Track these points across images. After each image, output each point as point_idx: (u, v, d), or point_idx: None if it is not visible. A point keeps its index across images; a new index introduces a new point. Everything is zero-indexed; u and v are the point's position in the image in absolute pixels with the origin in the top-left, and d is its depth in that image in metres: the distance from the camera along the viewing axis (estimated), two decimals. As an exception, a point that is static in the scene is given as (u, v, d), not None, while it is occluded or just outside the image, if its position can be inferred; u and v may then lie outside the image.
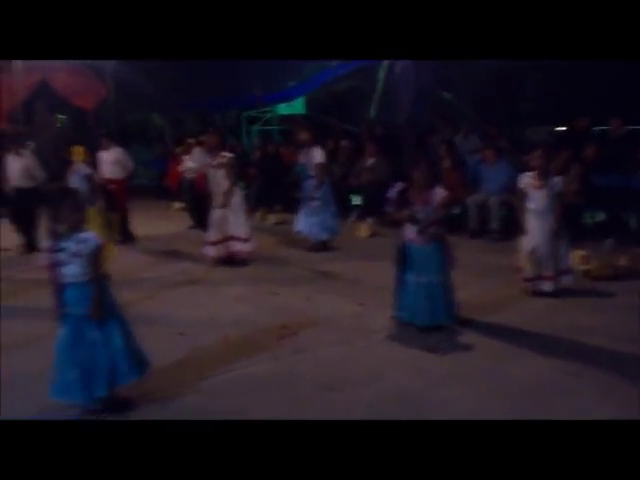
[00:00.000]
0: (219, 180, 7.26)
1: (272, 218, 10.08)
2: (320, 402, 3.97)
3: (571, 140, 9.45)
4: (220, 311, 5.73)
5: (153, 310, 5.71)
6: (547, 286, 5.96)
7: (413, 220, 5.13)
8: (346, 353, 4.77)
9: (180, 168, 10.32)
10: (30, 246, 8.40)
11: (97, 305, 3.71)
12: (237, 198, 7.40)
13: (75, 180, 7.41)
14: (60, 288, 3.74)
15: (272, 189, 10.70)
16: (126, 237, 9.00)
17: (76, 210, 3.74)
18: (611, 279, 6.55)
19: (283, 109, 16.06)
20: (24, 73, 11.89)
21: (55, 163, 12.62)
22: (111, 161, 8.94)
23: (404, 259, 5.23)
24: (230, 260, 7.37)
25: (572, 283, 6.08)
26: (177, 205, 11.43)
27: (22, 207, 8.50)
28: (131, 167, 9.15)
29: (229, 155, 7.37)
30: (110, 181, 8.78)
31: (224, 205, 7.24)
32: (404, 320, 5.23)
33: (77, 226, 3.73)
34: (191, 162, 9.80)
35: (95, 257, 3.74)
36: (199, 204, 9.82)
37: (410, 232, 5.20)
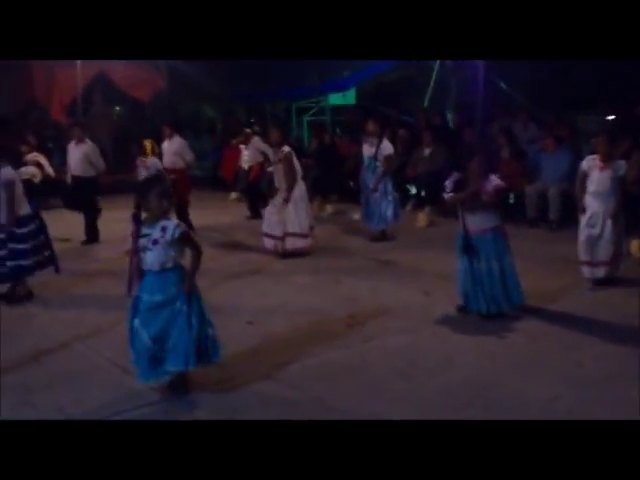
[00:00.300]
0: (281, 176, 7.37)
1: (329, 208, 10.17)
2: (394, 389, 4.06)
3: (631, 128, 9.27)
4: (286, 300, 5.84)
5: (219, 300, 5.67)
6: (601, 272, 5.96)
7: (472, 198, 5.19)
8: (415, 341, 4.85)
9: (241, 159, 10.47)
10: (90, 236, 8.51)
11: (189, 282, 3.84)
12: (299, 192, 7.46)
13: (148, 172, 7.50)
14: (139, 274, 3.87)
15: (328, 179, 10.78)
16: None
17: (163, 198, 3.82)
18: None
19: (334, 99, 16.09)
20: (82, 65, 12.15)
21: (113, 154, 13.02)
22: (173, 151, 9.11)
23: (465, 248, 5.31)
24: (289, 253, 7.43)
25: (622, 271, 6.09)
26: (234, 195, 11.61)
27: (81, 196, 8.58)
28: (191, 158, 9.31)
29: (287, 150, 7.45)
30: (171, 171, 8.96)
31: (285, 200, 7.32)
32: (469, 308, 5.32)
33: (163, 214, 3.85)
34: (249, 152, 10.00)
35: (177, 245, 3.84)
36: (255, 194, 10.04)
37: (469, 222, 5.28)
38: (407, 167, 10.22)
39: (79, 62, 12.07)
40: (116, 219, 9.08)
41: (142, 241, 3.83)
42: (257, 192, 10.04)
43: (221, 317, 5.12)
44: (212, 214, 10.16)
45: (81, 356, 4.66)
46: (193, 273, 3.91)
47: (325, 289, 6.20)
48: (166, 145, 9.16)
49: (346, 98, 15.97)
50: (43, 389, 4.10)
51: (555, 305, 5.57)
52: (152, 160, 8.10)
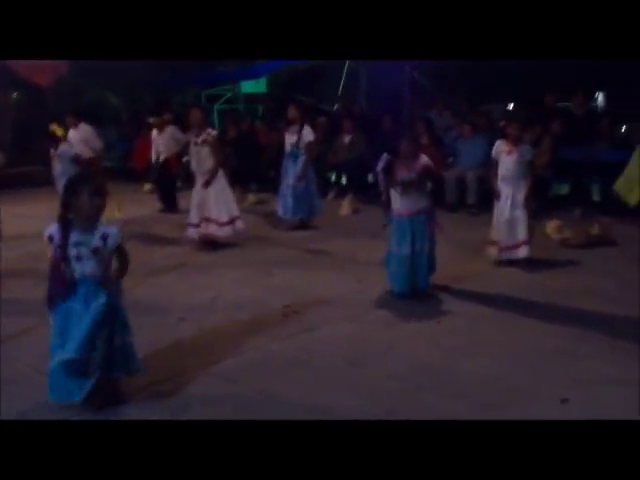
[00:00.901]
0: (203, 158, 7.08)
1: (251, 198, 9.99)
2: (342, 378, 4.01)
3: (540, 115, 9.68)
4: (218, 293, 5.66)
5: (146, 297, 5.46)
6: (522, 252, 6.14)
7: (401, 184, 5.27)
8: (356, 329, 4.82)
9: (154, 149, 10.06)
10: None
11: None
12: (221, 178, 7.24)
13: (61, 162, 7.04)
14: (65, 284, 3.48)
15: (248, 169, 10.61)
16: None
17: (95, 196, 3.44)
18: (586, 247, 6.90)
19: (246, 87, 15.88)
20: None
21: (12, 145, 12.21)
22: (78, 140, 8.67)
23: (393, 230, 5.42)
24: (211, 243, 7.21)
25: (542, 252, 6.40)
26: (147, 187, 11.16)
27: None
28: (99, 145, 8.88)
29: (214, 132, 7.23)
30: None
31: (207, 184, 7.06)
32: (397, 291, 5.42)
33: (97, 216, 3.49)
34: (164, 142, 9.65)
35: (113, 255, 3.55)
36: (170, 186, 9.72)
37: (398, 203, 5.35)
38: (327, 155, 10.20)
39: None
40: (17, 214, 8.60)
41: (73, 249, 3.44)
42: (172, 184, 9.74)
43: (151, 316, 4.97)
44: (125, 207, 9.74)
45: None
46: (118, 281, 3.62)
47: (257, 281, 6.07)
48: (72, 134, 8.70)
49: (258, 86, 15.82)
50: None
51: (484, 287, 5.72)
52: (62, 147, 7.56)
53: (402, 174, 5.29)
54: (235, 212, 7.34)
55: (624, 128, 9.53)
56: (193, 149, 7.21)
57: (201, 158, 7.11)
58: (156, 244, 7.65)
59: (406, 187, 5.29)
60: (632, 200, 7.81)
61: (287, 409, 3.59)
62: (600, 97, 12.43)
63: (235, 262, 6.78)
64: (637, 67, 9.59)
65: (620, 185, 7.92)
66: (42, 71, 12.55)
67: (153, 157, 9.97)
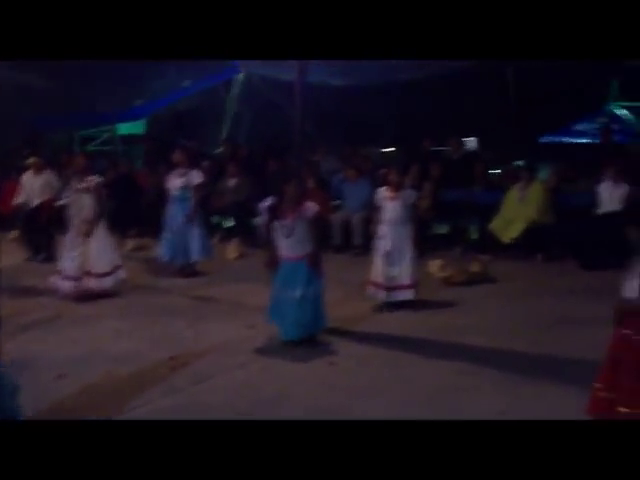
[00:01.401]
0: (84, 206, 6.76)
1: (131, 243, 9.59)
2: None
3: (419, 159, 10.08)
4: (99, 347, 5.31)
5: (20, 353, 5.01)
6: (406, 294, 6.23)
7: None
8: (247, 377, 4.68)
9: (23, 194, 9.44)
10: None
11: None
12: (101, 226, 6.92)
13: None
14: None
15: (127, 213, 10.20)
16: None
17: None
18: (468, 284, 7.17)
19: (124, 129, 15.47)
20: None
21: None
22: None
23: (280, 276, 5.36)
24: (89, 295, 6.80)
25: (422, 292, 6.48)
26: (14, 234, 10.28)
27: None
28: None
29: (97, 179, 6.93)
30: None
31: (88, 234, 6.74)
32: (285, 336, 5.32)
33: None
34: (39, 186, 9.12)
35: None
36: (44, 233, 9.14)
37: (283, 249, 5.32)
38: (212, 198, 10.04)
39: None
40: None
41: None
42: (46, 231, 9.16)
43: (26, 373, 4.55)
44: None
45: None
46: None
47: (141, 332, 5.75)
48: None
49: (135, 127, 15.47)
50: None
51: (373, 327, 5.77)
52: None
53: (287, 219, 5.25)
54: (117, 261, 7.03)
55: (497, 171, 10.13)
56: (73, 195, 6.86)
57: (81, 205, 6.79)
58: (28, 296, 7.03)
59: (291, 232, 5.24)
60: (506, 239, 8.33)
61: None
62: (473, 142, 13.14)
63: (116, 312, 6.41)
64: (505, 112, 10.35)
65: (496, 225, 8.43)
66: None
67: (20, 201, 9.33)
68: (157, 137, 14.40)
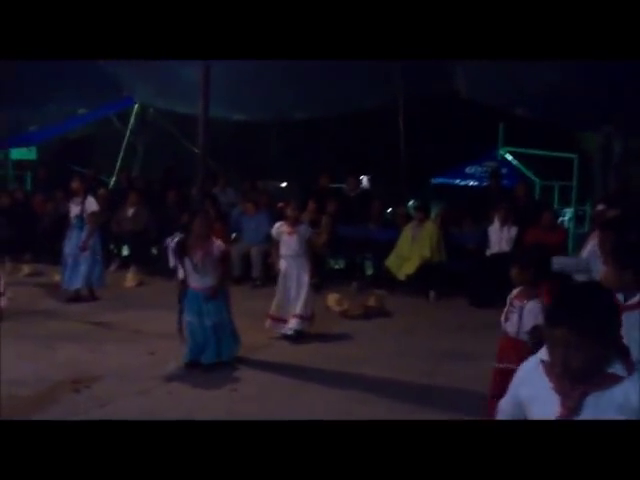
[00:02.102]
0: None
1: (26, 269, 9.34)
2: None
3: (316, 195, 10.49)
4: (1, 370, 5.21)
5: None
6: (293, 324, 6.40)
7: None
8: (152, 403, 4.75)
9: None
10: None
11: None
12: None
13: None
14: None
15: (22, 239, 9.93)
16: None
17: None
18: (364, 318, 7.53)
19: (16, 154, 15.04)
20: None
21: None
22: None
23: (188, 304, 5.53)
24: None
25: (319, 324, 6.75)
26: None
27: None
28: None
29: None
30: None
31: None
32: (192, 361, 5.48)
33: None
34: None
35: None
36: None
37: (193, 281, 5.51)
38: (111, 225, 9.97)
39: None
40: None
41: None
42: None
43: None
44: None
45: None
46: None
47: (38, 356, 5.69)
48: None
49: (28, 153, 15.08)
50: None
51: (269, 356, 5.98)
52: None
53: (196, 255, 5.44)
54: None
55: (389, 210, 10.69)
56: None
57: None
58: None
59: (199, 267, 5.44)
60: (401, 275, 8.74)
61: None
62: (364, 180, 13.76)
63: (10, 337, 6.19)
64: (397, 152, 10.94)
65: (391, 262, 8.84)
66: None
67: None
68: (49, 164, 14.12)
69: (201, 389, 5.06)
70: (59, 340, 6.17)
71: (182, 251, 5.49)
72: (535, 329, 3.62)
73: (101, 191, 10.53)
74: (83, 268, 7.87)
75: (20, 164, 14.88)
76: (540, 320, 3.45)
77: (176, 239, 5.61)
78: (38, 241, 10.15)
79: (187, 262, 5.47)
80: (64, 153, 15.05)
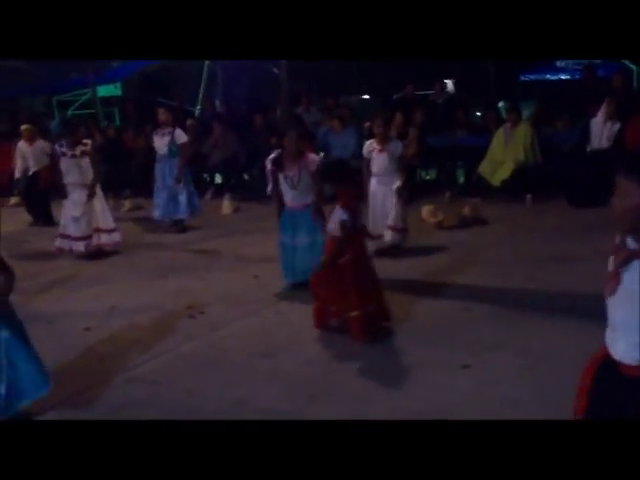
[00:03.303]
0: (85, 170, 6.96)
1: (127, 204, 9.80)
2: (260, 369, 4.15)
3: (402, 106, 10.27)
4: (118, 301, 5.58)
5: (45, 310, 5.35)
6: (388, 236, 6.36)
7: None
8: (261, 323, 4.97)
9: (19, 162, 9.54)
10: None
11: None
12: (99, 188, 7.16)
13: None
14: None
15: (119, 175, 10.35)
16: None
17: None
18: (461, 227, 7.45)
19: (102, 91, 15.41)
20: None
21: None
22: None
23: (287, 225, 5.60)
24: (98, 253, 7.09)
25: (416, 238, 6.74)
26: (13, 200, 10.58)
27: None
28: None
29: (90, 142, 7.13)
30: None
31: (91, 195, 6.97)
32: (293, 281, 5.60)
33: None
34: (34, 156, 9.23)
35: None
36: (43, 199, 9.30)
37: (289, 199, 5.55)
38: (200, 156, 10.19)
39: None
40: None
41: None
42: (45, 197, 9.33)
43: (55, 326, 4.94)
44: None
45: None
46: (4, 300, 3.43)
47: (153, 286, 6.04)
48: None
49: (112, 90, 15.42)
50: None
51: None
52: None
53: (291, 171, 5.48)
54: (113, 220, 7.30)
55: (478, 115, 10.35)
56: (71, 161, 6.99)
57: (82, 170, 6.96)
58: (39, 258, 7.29)
59: (295, 183, 5.48)
60: (495, 181, 8.56)
61: (211, 405, 3.69)
62: (449, 85, 13.26)
63: (126, 269, 6.69)
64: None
65: (483, 168, 8.63)
66: None
67: (19, 169, 9.45)
68: (135, 98, 14.40)
69: (308, 310, 5.22)
70: (168, 270, 6.51)
71: (277, 168, 5.54)
72: None
73: (189, 121, 10.71)
74: (182, 199, 8.13)
75: (107, 101, 15.26)
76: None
77: (272, 156, 5.66)
78: (134, 176, 10.53)
79: (282, 180, 5.52)
80: (146, 86, 15.26)
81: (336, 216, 4.51)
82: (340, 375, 4.01)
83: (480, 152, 8.68)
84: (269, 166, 5.59)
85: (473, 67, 11.14)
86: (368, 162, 6.50)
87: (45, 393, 3.59)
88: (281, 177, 5.52)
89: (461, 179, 9.64)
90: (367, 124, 9.34)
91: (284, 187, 5.54)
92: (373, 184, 6.45)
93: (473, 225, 7.53)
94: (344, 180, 4.68)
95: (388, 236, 6.37)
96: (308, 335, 4.65)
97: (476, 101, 10.76)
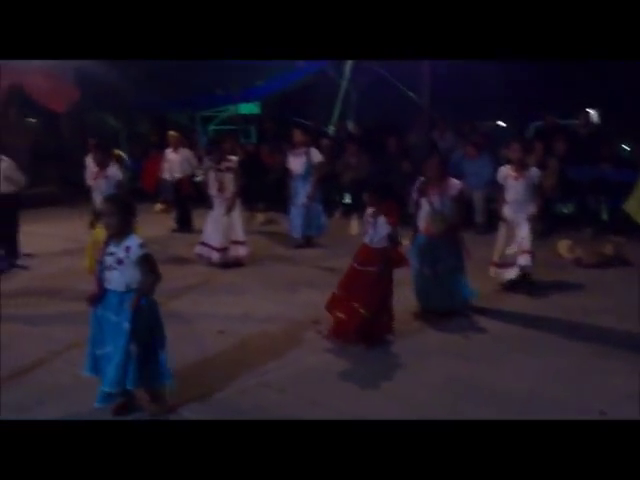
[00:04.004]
0: (226, 184, 7.30)
1: (260, 217, 10.16)
2: (382, 388, 4.16)
3: (542, 135, 9.95)
4: (249, 309, 5.81)
5: (182, 310, 5.66)
6: (522, 260, 6.07)
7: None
8: (386, 343, 4.96)
9: (165, 170, 10.19)
10: (12, 251, 7.95)
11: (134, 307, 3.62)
12: (238, 202, 7.47)
13: (108, 183, 6.60)
14: (101, 292, 3.72)
15: (254, 189, 10.74)
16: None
17: (127, 215, 3.72)
18: (601, 267, 7.05)
19: (243, 108, 16.10)
20: (-3, 77, 11.38)
21: (31, 167, 12.27)
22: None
23: (422, 250, 5.54)
24: (233, 263, 7.39)
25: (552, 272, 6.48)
26: (159, 207, 11.28)
27: (3, 212, 7.86)
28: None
29: (235, 159, 7.44)
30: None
31: (230, 209, 7.28)
32: (425, 308, 5.57)
33: (126, 232, 3.70)
34: (179, 163, 9.81)
35: (140, 266, 3.65)
36: (184, 206, 9.84)
37: (424, 224, 5.50)
38: (333, 176, 10.37)
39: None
40: (33, 233, 8.70)
41: (108, 259, 3.70)
42: (186, 204, 9.87)
43: (190, 326, 5.21)
44: (140, 227, 9.77)
45: (61, 371, 4.46)
46: (142, 294, 3.67)
47: (282, 297, 6.21)
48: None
49: (252, 107, 16.05)
50: (36, 406, 3.93)
51: (500, 305, 5.87)
52: (112, 170, 6.86)
53: (432, 195, 5.46)
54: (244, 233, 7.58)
55: (625, 148, 9.81)
56: (216, 175, 7.35)
57: (224, 184, 7.31)
58: (177, 263, 7.71)
59: (436, 207, 5.44)
60: (642, 220, 7.96)
61: (333, 416, 3.73)
62: (594, 115, 12.65)
63: (257, 279, 6.92)
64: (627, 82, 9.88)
65: (630, 206, 8.02)
66: (58, 98, 12.76)
67: (167, 176, 10.06)
68: (273, 117, 14.89)
69: (434, 332, 5.17)
70: (296, 283, 6.67)
71: (419, 193, 5.54)
72: None
73: (324, 141, 10.95)
74: (312, 217, 8.35)
75: (246, 118, 15.92)
76: None
77: (417, 184, 5.66)
78: (268, 191, 10.88)
79: (424, 203, 5.51)
80: (284, 105, 15.75)
81: (384, 230, 4.88)
82: (462, 404, 3.91)
83: (626, 188, 8.18)
84: (415, 192, 5.59)
85: (620, 97, 10.61)
86: (502, 188, 6.32)
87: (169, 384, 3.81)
88: (423, 202, 5.50)
89: (604, 215, 9.12)
90: (505, 150, 9.10)
91: (424, 212, 5.51)
92: (509, 212, 6.24)
93: (615, 265, 7.12)
94: (394, 198, 5.03)
95: (522, 261, 6.11)
96: (432, 358, 4.62)
97: (623, 133, 10.19)
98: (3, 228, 7.93)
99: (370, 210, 5.06)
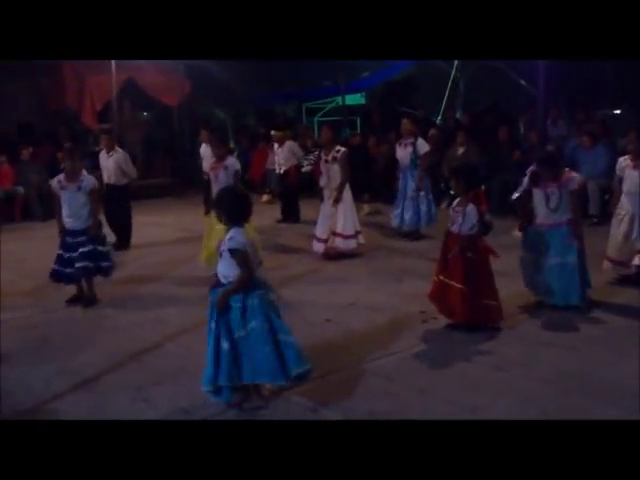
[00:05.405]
0: (333, 175, 7.35)
1: (366, 208, 10.23)
2: (493, 380, 4.14)
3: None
4: (356, 298, 5.91)
5: (291, 298, 5.75)
6: (637, 261, 5.85)
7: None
8: (495, 336, 4.92)
9: (272, 162, 10.51)
10: (123, 243, 8.36)
11: (221, 300, 3.63)
12: (348, 193, 7.46)
13: (225, 175, 6.63)
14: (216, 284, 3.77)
15: (360, 180, 10.81)
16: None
17: (238, 209, 3.74)
18: None
19: (349, 100, 16.21)
20: (113, 72, 12.11)
21: (142, 159, 13.02)
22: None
23: (535, 242, 5.42)
24: (336, 255, 7.42)
25: None
26: (265, 198, 11.65)
27: (117, 203, 8.37)
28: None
29: (343, 149, 7.46)
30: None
31: (337, 201, 7.31)
32: (544, 300, 5.45)
33: (236, 224, 3.71)
34: (284, 155, 10.06)
35: (236, 259, 3.63)
36: (291, 197, 10.09)
37: (541, 216, 5.37)
38: (442, 166, 10.28)
39: (113, 67, 12.02)
40: (147, 223, 9.21)
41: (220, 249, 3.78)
42: (293, 195, 10.11)
43: (299, 314, 5.32)
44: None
45: (176, 354, 4.73)
46: (230, 291, 3.65)
47: (389, 287, 6.28)
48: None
49: (357, 98, 16.14)
50: (153, 386, 4.18)
51: (615, 299, 5.69)
52: (230, 160, 6.89)
53: (550, 187, 5.33)
54: (358, 226, 7.58)
55: None
56: (323, 166, 7.45)
57: (331, 175, 7.37)
58: (286, 252, 7.95)
59: (552, 200, 5.32)
60: None
61: (444, 408, 3.77)
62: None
63: (362, 269, 7.02)
64: None
65: None
66: (170, 92, 13.43)
67: (276, 169, 10.35)
68: (379, 108, 14.91)
69: (544, 322, 5.10)
70: (403, 274, 6.72)
71: (533, 183, 5.42)
72: None
73: (432, 132, 10.87)
74: (422, 208, 8.31)
75: (351, 109, 16.04)
76: None
77: (529, 171, 5.55)
78: (374, 182, 10.94)
79: (538, 196, 5.39)
80: (389, 96, 15.72)
81: (473, 218, 4.89)
82: (575, 397, 3.85)
83: None
84: (526, 180, 5.48)
85: None
86: (620, 179, 6.10)
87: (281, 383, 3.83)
88: (537, 193, 5.39)
89: None
90: (623, 140, 8.68)
91: (538, 204, 5.39)
92: (624, 201, 6.02)
93: None
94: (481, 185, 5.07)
95: (638, 260, 5.88)
96: (542, 351, 4.56)
97: None
98: (117, 218, 8.40)
99: (459, 199, 5.03)
